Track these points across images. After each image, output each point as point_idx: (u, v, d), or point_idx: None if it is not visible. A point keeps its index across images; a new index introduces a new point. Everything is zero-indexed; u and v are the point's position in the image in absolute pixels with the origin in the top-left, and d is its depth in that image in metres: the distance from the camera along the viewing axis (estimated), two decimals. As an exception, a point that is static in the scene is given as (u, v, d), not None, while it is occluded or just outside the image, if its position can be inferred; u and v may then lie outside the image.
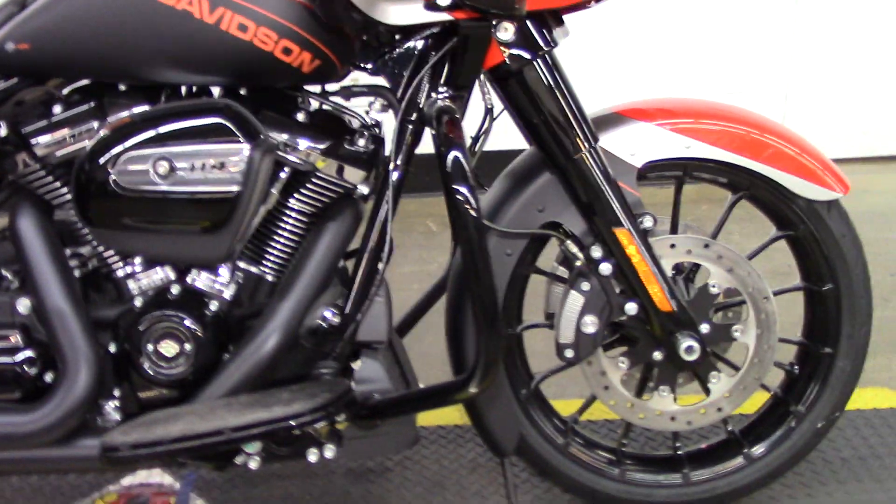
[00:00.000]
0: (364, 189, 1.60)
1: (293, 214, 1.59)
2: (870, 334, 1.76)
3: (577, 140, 1.55)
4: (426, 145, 1.55)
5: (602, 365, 1.71)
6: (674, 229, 1.74)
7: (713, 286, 1.67)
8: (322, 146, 1.54)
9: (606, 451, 1.84)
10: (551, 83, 1.54)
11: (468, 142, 1.62)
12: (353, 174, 1.59)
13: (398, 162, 1.59)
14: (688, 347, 1.62)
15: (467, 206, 1.37)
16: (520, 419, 1.76)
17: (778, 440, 1.80)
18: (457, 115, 1.43)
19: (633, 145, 1.63)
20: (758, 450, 1.80)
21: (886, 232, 3.48)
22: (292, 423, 1.45)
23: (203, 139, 1.44)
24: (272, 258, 1.61)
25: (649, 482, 1.81)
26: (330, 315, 1.53)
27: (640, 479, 1.81)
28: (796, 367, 1.83)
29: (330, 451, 1.59)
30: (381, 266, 1.61)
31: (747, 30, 3.79)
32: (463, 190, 1.37)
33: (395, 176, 1.58)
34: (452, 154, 1.38)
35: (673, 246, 1.66)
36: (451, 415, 2.11)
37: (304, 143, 1.54)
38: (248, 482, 1.95)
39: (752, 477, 1.80)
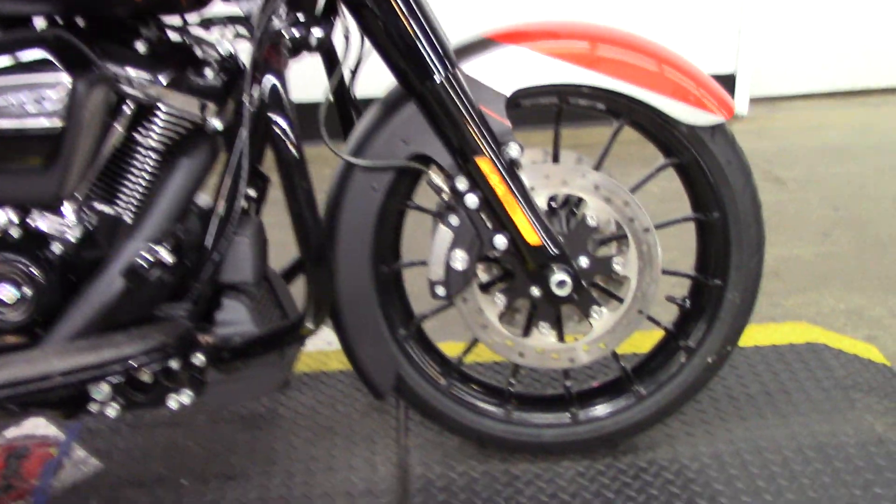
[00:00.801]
0: (217, 123, 1.52)
1: (142, 151, 1.51)
2: (761, 265, 1.68)
3: (432, 66, 1.47)
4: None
5: (478, 303, 1.64)
6: (556, 160, 1.67)
7: (591, 218, 1.60)
8: (165, 78, 1.46)
9: (493, 391, 1.79)
10: (402, 8, 1.44)
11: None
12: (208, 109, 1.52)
13: (254, 94, 1.51)
14: (559, 282, 1.56)
15: (283, 137, 1.29)
16: (398, 360, 1.70)
17: (668, 377, 1.74)
18: (282, 40, 1.34)
19: (500, 71, 1.54)
20: (647, 387, 1.74)
21: (837, 167, 3.40)
22: (129, 364, 1.39)
23: (25, 72, 1.36)
24: (126, 197, 1.54)
25: (537, 422, 1.76)
26: (162, 255, 1.45)
27: (527, 420, 1.76)
28: (688, 301, 1.76)
29: (187, 398, 1.53)
30: (237, 205, 1.53)
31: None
32: (278, 119, 1.29)
33: (250, 109, 1.50)
34: (268, 80, 1.29)
35: (547, 176, 1.59)
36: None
37: (144, 76, 1.45)
38: (133, 431, 1.91)
39: (640, 415, 1.74)
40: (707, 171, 1.62)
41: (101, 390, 1.47)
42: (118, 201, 1.53)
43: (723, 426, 1.86)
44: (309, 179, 1.34)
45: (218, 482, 1.75)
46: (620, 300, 1.66)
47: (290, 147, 1.30)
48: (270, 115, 1.29)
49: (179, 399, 1.54)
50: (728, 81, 4.02)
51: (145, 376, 1.52)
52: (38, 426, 1.93)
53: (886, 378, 2.00)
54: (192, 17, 1.56)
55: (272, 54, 1.30)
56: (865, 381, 1.98)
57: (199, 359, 1.54)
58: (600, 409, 1.75)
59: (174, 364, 1.53)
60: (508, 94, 1.54)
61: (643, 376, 1.76)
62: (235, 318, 1.58)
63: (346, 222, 1.61)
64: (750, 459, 1.76)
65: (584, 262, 1.61)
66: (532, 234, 1.53)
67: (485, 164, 1.50)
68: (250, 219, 1.66)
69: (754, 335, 2.19)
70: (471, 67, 1.53)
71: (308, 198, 1.35)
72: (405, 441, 1.85)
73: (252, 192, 1.73)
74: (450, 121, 1.49)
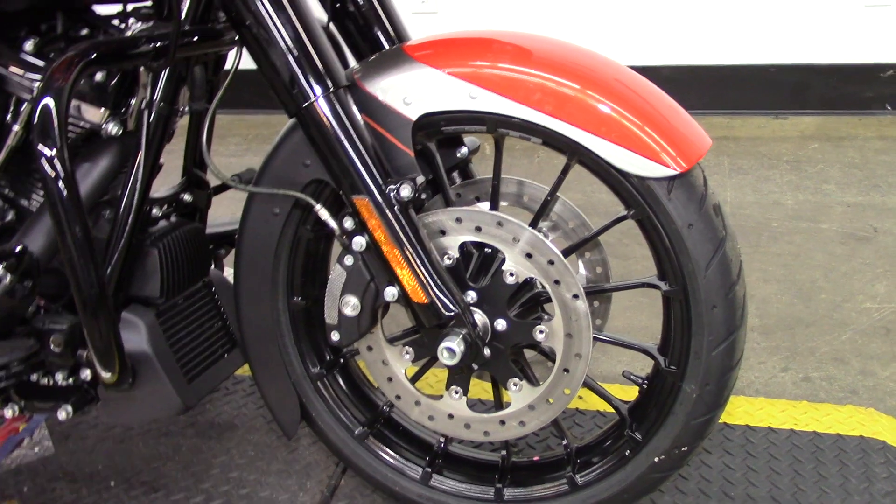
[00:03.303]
0: (113, 128, 1.42)
1: (42, 152, 1.45)
2: (731, 358, 1.32)
3: (307, 86, 1.26)
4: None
5: (384, 353, 1.44)
6: (495, 196, 1.42)
7: (510, 274, 1.34)
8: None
9: (420, 446, 1.58)
10: (278, 26, 1.25)
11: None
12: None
13: (153, 99, 1.41)
14: (447, 349, 1.31)
15: (49, 172, 1.14)
16: (309, 399, 1.55)
17: (609, 469, 1.44)
18: (79, 55, 1.18)
19: (408, 92, 1.31)
20: (584, 476, 1.46)
21: None
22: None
23: None
24: (32, 198, 1.49)
25: (456, 491, 1.53)
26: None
27: (446, 487, 1.54)
28: (646, 383, 1.45)
29: (64, 413, 1.47)
30: (131, 219, 1.43)
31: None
32: (43, 150, 1.14)
33: (147, 116, 1.40)
34: (43, 102, 1.14)
35: (459, 220, 1.34)
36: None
37: (29, 75, 1.38)
38: (96, 419, 1.90)
39: (572, 508, 1.46)
40: (663, 232, 1.30)
41: (-22, 394, 1.45)
42: (24, 201, 1.49)
43: (698, 531, 1.54)
44: (84, 219, 1.20)
45: (142, 490, 1.70)
46: (534, 383, 1.39)
47: (59, 185, 1.16)
48: (37, 145, 1.15)
49: (63, 412, 1.48)
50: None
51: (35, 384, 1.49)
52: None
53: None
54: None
55: (61, 71, 1.15)
56: (914, 505, 1.56)
57: (86, 374, 1.48)
58: (529, 491, 1.49)
59: (60, 378, 1.49)
60: (414, 119, 1.31)
61: (583, 462, 1.48)
62: (128, 337, 1.49)
63: (246, 249, 1.47)
64: (704, 584, 1.43)
65: (500, 325, 1.36)
66: (417, 292, 1.30)
67: (363, 205, 1.28)
68: (178, 227, 1.57)
69: (799, 416, 1.80)
70: (377, 85, 1.32)
71: (83, 242, 1.21)
72: (338, 481, 1.70)
73: (188, 198, 1.64)
74: (326, 150, 1.29)
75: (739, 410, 1.83)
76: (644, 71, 1.35)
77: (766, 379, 1.99)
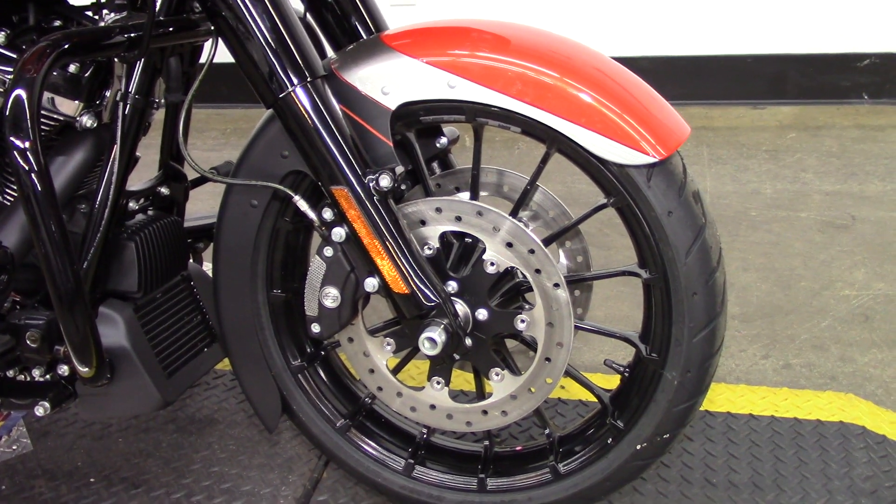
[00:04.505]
0: (88, 121, 1.40)
1: (14, 146, 1.43)
2: (712, 345, 1.33)
3: (283, 77, 1.25)
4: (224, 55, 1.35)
5: (365, 344, 1.43)
6: (475, 186, 1.41)
7: (491, 264, 1.33)
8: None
9: (403, 437, 1.57)
10: (255, 16, 1.24)
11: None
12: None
13: (128, 90, 1.39)
14: (428, 339, 1.31)
15: (22, 165, 1.13)
16: (290, 392, 1.54)
17: (591, 457, 1.44)
18: (51, 45, 1.16)
19: (386, 81, 1.30)
20: (567, 465, 1.46)
21: None
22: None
23: None
24: (7, 193, 1.47)
25: (439, 482, 1.53)
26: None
27: (429, 478, 1.53)
28: (627, 371, 1.45)
29: (41, 409, 1.46)
30: (107, 213, 1.42)
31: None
32: (16, 142, 1.13)
33: (122, 108, 1.38)
34: (15, 94, 1.12)
35: (439, 210, 1.33)
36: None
37: (1, 68, 1.36)
38: (75, 415, 1.88)
39: (555, 496, 1.45)
40: (643, 220, 1.29)
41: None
42: (8, 197, 1.47)
43: (679, 518, 1.54)
44: (58, 213, 1.19)
45: (122, 487, 1.68)
46: (516, 372, 1.39)
47: (32, 178, 1.14)
48: (9, 138, 1.13)
49: (40, 408, 1.47)
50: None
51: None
52: (-2, 395, 1.95)
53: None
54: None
55: (31, 62, 1.13)
56: (892, 494, 1.56)
57: (63, 369, 1.46)
58: (513, 481, 1.49)
59: (37, 374, 1.48)
60: (392, 108, 1.30)
61: (565, 451, 1.48)
62: (105, 332, 1.47)
63: (225, 242, 1.46)
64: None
65: (482, 314, 1.35)
66: (398, 282, 1.30)
67: (341, 196, 1.28)
68: (155, 220, 1.55)
69: (779, 402, 1.81)
70: (355, 75, 1.30)
71: (58, 236, 1.19)
72: (321, 474, 1.69)
73: (165, 191, 1.62)
74: (305, 141, 1.28)
75: (721, 398, 1.84)
76: (622, 62, 1.35)
77: (747, 366, 2.00)
